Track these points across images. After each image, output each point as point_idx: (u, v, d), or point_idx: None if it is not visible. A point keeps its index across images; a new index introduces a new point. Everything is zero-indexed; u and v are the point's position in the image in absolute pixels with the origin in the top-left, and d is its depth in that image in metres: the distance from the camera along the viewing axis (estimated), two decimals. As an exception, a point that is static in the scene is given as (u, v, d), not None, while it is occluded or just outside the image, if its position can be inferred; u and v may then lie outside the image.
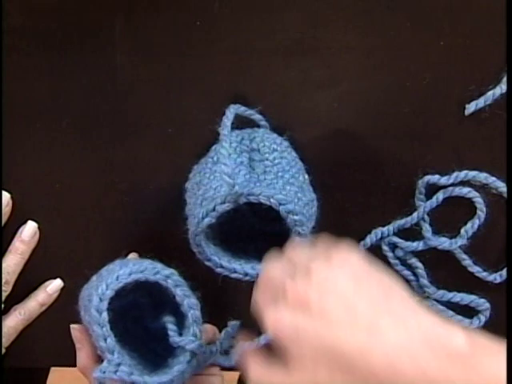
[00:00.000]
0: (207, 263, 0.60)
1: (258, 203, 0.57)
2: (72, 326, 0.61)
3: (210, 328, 0.63)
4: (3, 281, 0.63)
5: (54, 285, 0.66)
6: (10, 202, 0.65)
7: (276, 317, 0.48)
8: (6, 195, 0.64)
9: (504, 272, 0.65)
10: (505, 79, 0.62)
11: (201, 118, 0.64)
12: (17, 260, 0.64)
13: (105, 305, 0.56)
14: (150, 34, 0.63)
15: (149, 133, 0.65)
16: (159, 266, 0.59)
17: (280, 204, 0.57)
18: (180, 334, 0.59)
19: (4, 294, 0.63)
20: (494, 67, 0.63)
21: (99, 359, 0.58)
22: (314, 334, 0.46)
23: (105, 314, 0.56)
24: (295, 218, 0.57)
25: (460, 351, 0.43)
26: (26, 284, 0.66)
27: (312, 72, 0.64)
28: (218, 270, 0.60)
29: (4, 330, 0.64)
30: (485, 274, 0.65)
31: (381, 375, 0.44)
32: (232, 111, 0.61)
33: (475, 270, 0.65)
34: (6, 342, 0.64)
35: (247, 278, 0.60)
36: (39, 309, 0.66)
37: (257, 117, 0.63)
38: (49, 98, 0.64)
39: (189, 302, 0.58)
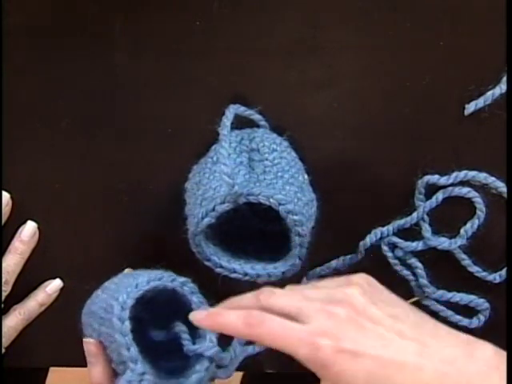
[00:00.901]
0: (207, 263, 0.60)
1: (257, 203, 0.57)
2: (86, 340, 0.58)
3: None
4: (3, 280, 0.63)
5: (54, 285, 0.66)
6: (10, 202, 0.65)
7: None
8: (5, 195, 0.64)
9: (504, 272, 0.65)
10: (504, 79, 0.62)
11: (201, 118, 0.64)
12: (16, 260, 0.64)
13: (127, 313, 0.55)
14: (150, 33, 0.63)
15: (149, 133, 0.65)
16: (173, 274, 0.58)
17: (279, 204, 0.57)
18: (193, 343, 0.58)
19: (4, 294, 0.63)
20: (494, 67, 0.63)
21: (114, 374, 0.57)
22: (370, 354, 0.47)
23: (127, 323, 0.54)
24: (295, 217, 0.57)
25: (492, 361, 0.47)
26: (26, 284, 0.66)
27: (312, 72, 0.64)
28: (218, 269, 0.60)
29: (4, 329, 0.64)
30: (484, 273, 0.65)
31: None
32: (232, 111, 0.61)
33: (475, 269, 0.65)
34: (5, 342, 0.64)
35: (247, 277, 0.60)
36: (39, 309, 0.66)
37: (256, 117, 0.63)
38: (49, 98, 0.64)
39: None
